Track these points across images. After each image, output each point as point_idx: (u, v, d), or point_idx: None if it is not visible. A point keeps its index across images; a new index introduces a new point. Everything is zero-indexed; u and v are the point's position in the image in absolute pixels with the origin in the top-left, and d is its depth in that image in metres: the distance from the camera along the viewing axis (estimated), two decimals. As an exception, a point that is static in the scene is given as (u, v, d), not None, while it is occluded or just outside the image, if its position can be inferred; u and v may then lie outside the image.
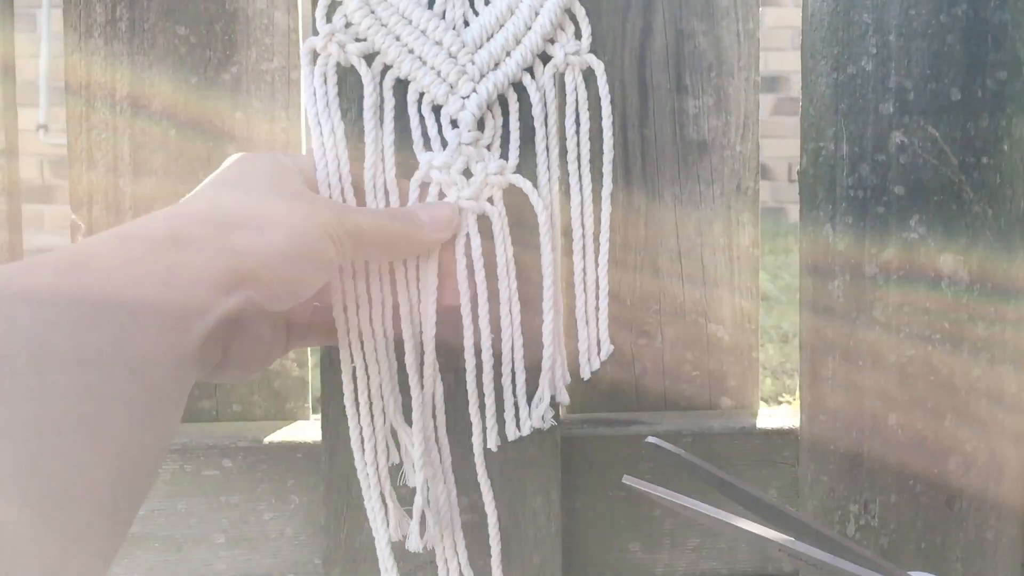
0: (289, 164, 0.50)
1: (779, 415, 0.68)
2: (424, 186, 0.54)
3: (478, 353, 0.54)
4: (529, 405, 0.55)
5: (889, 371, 0.61)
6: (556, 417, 0.57)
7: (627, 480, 0.47)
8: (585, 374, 0.57)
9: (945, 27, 0.59)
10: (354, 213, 0.49)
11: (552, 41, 0.55)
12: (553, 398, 0.56)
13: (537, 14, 0.54)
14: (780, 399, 1.89)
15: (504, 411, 0.55)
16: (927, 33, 0.59)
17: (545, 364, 0.55)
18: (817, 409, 0.62)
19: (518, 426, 0.55)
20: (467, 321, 0.53)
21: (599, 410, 0.70)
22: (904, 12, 0.59)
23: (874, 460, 0.62)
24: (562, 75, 0.56)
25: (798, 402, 0.63)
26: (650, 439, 0.50)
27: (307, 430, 0.67)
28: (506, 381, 0.55)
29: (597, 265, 0.57)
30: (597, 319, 0.57)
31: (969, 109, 0.59)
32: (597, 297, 0.57)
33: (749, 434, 0.65)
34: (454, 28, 0.54)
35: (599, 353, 0.57)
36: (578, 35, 0.55)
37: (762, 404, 0.72)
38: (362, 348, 0.54)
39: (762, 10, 0.91)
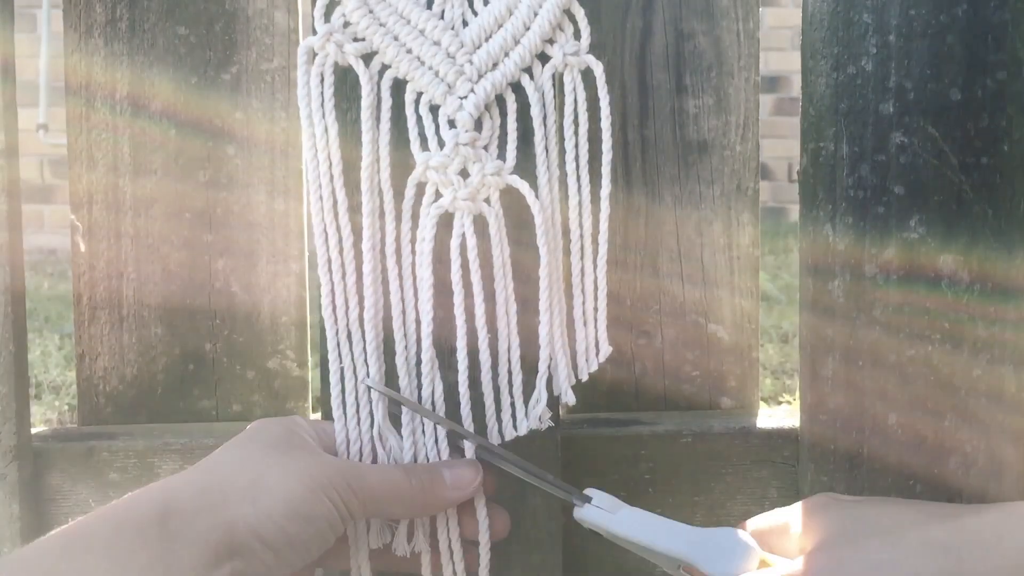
0: (304, 426, 0.51)
1: (779, 415, 0.68)
2: (420, 186, 0.54)
3: (475, 354, 0.54)
4: (526, 406, 0.55)
5: (889, 371, 0.61)
6: (555, 417, 0.57)
7: (368, 382, 0.52)
8: (583, 375, 0.57)
9: (945, 27, 0.59)
10: (364, 473, 0.48)
11: (551, 42, 0.55)
12: (557, 399, 0.56)
13: (536, 14, 0.54)
14: (780, 399, 1.89)
15: (502, 411, 0.55)
16: (927, 33, 0.59)
17: (542, 365, 0.55)
18: (817, 409, 0.62)
19: (515, 426, 0.55)
20: (462, 321, 0.53)
21: (599, 410, 0.70)
22: (904, 12, 0.59)
23: (874, 460, 0.62)
24: (561, 76, 0.56)
25: (798, 402, 0.63)
26: (366, 381, 0.53)
27: (307, 430, 0.67)
28: (502, 381, 0.55)
29: (595, 266, 0.57)
30: (595, 320, 0.57)
31: (969, 109, 0.59)
32: (595, 298, 0.57)
33: (749, 434, 0.65)
34: (452, 28, 0.54)
35: (597, 354, 0.57)
36: (577, 36, 0.55)
37: (762, 404, 0.72)
38: (351, 349, 0.53)
39: (762, 10, 0.91)
